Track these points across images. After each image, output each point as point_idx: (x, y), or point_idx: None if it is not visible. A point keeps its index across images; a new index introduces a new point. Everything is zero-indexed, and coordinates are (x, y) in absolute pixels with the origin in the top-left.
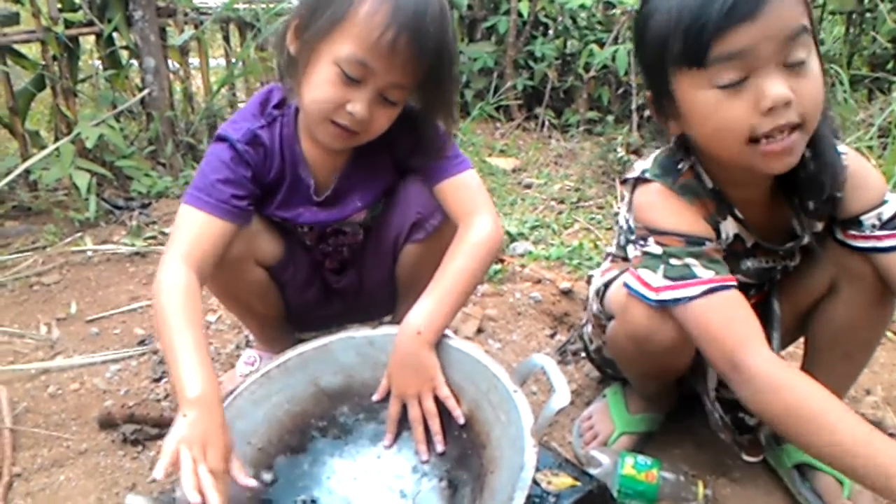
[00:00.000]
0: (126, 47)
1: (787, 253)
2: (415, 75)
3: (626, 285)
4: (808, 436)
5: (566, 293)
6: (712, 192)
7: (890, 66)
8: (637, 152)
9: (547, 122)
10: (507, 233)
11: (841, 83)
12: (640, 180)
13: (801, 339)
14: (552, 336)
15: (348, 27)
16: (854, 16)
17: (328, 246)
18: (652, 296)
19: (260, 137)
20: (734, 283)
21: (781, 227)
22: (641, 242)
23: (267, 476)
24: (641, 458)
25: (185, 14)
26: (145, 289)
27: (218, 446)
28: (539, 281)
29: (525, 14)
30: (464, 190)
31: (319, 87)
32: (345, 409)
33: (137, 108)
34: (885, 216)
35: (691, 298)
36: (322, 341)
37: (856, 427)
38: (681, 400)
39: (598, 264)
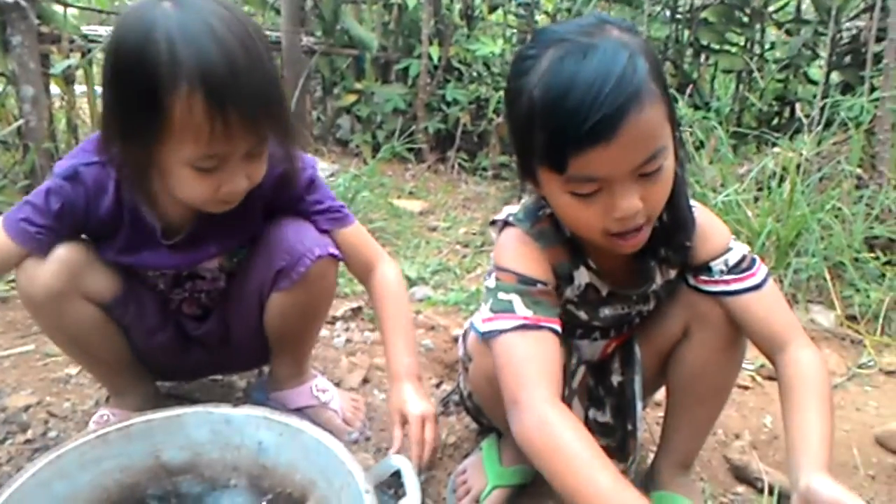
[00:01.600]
0: (2, 74)
1: (640, 298)
2: (263, 127)
3: (469, 323)
4: (558, 476)
5: (456, 340)
6: (568, 242)
7: (775, 121)
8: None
9: (458, 165)
10: (408, 277)
11: (722, 141)
12: (505, 223)
13: None
14: (437, 386)
15: (175, 133)
16: (743, 74)
17: (184, 291)
18: (480, 328)
19: (81, 175)
20: (553, 325)
21: (636, 274)
22: (486, 278)
23: None
24: None
25: (72, 41)
26: (2, 338)
27: None
28: (433, 328)
29: (436, 59)
30: (362, 240)
31: (186, 188)
32: (182, 491)
33: (13, 139)
34: (731, 262)
35: (502, 331)
36: (175, 411)
37: (601, 477)
38: None
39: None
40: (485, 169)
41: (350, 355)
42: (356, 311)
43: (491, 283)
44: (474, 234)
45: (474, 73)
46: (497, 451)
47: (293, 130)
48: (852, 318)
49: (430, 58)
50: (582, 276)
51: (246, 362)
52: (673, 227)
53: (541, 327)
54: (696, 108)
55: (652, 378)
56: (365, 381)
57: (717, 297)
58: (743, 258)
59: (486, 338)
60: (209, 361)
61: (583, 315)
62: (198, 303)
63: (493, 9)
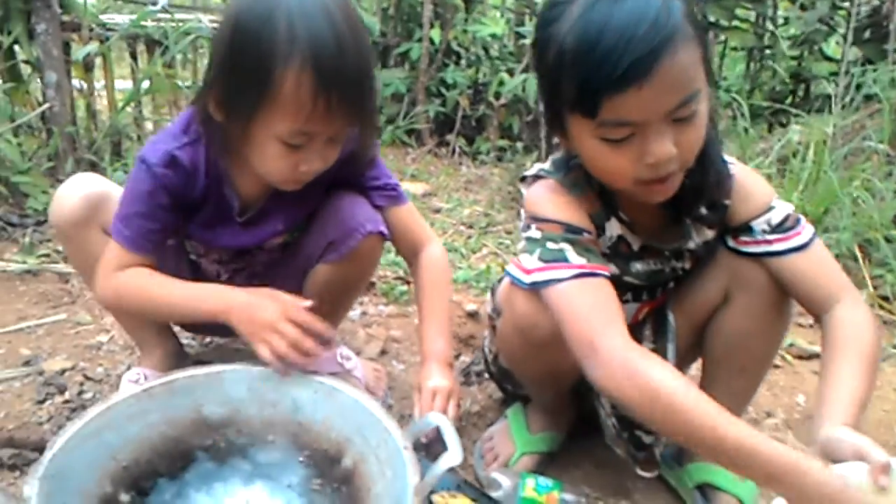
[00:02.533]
0: (27, 61)
1: (674, 254)
2: (354, 116)
3: (506, 272)
4: (662, 417)
5: (472, 315)
6: (599, 192)
7: (788, 100)
8: None
9: (458, 149)
10: None
11: (742, 115)
12: (535, 177)
13: None
14: (456, 357)
15: (277, 105)
16: (755, 52)
17: (243, 262)
18: (525, 278)
19: (178, 158)
20: (605, 272)
21: (670, 230)
22: (525, 230)
23: (125, 497)
24: (542, 480)
25: (91, 29)
26: (35, 308)
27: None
28: None
29: (437, 42)
30: (413, 220)
31: (269, 161)
32: (223, 444)
33: (38, 123)
34: (774, 221)
35: (560, 281)
36: (215, 368)
37: (708, 408)
38: (581, 420)
39: (480, 282)
40: (486, 153)
41: (366, 327)
42: (370, 286)
43: (534, 233)
44: (478, 215)
45: (472, 57)
46: (524, 418)
47: (376, 118)
48: (884, 298)
49: (430, 41)
50: (613, 228)
51: None
52: (707, 181)
53: (597, 275)
54: None
55: (686, 347)
56: (383, 352)
57: (759, 259)
58: (787, 217)
59: (537, 287)
60: None
61: (613, 269)
62: (251, 271)
63: None
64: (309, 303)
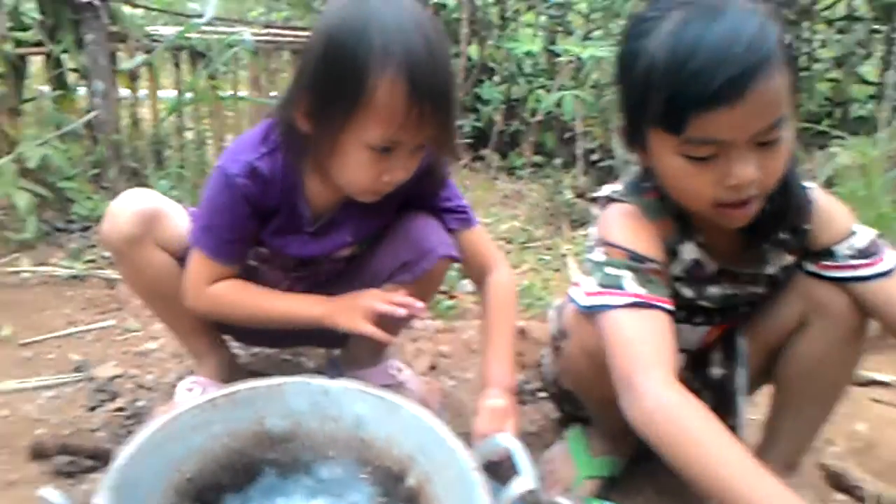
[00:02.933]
0: (75, 70)
1: (750, 278)
2: (441, 127)
3: (568, 295)
4: (687, 462)
5: (519, 332)
6: (675, 215)
7: (825, 122)
8: (583, 195)
9: (493, 165)
10: (457, 271)
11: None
12: (609, 199)
13: None
14: None
15: (369, 112)
16: None
17: (306, 271)
18: (583, 301)
19: (258, 169)
20: (665, 305)
21: (748, 255)
22: (590, 251)
23: None
24: None
25: (137, 40)
26: (83, 313)
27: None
28: None
29: (474, 57)
30: (482, 243)
31: (354, 170)
32: (285, 458)
33: (83, 130)
34: (859, 245)
35: (613, 307)
36: (276, 380)
37: (736, 462)
38: (642, 444)
39: (548, 304)
40: (521, 167)
41: (414, 341)
42: None
43: (598, 256)
44: (517, 230)
45: (506, 73)
46: (585, 440)
47: (456, 129)
48: None
49: (468, 57)
50: (689, 252)
51: (332, 338)
52: (788, 206)
53: (653, 306)
54: None
55: (757, 373)
56: (432, 367)
57: (842, 284)
58: (871, 242)
59: (591, 311)
60: (294, 331)
61: (688, 293)
62: (313, 282)
63: (528, 9)
64: (403, 291)
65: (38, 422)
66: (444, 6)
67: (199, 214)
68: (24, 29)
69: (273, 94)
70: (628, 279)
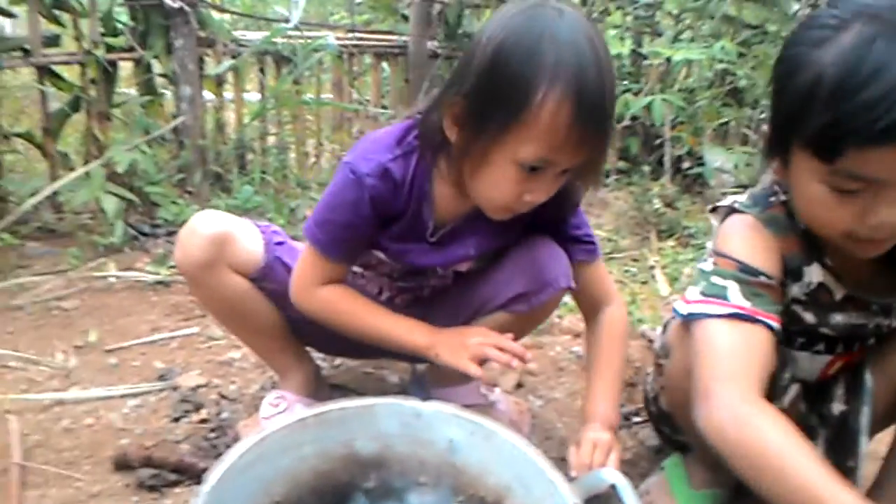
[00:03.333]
0: (164, 75)
1: (882, 308)
2: (596, 152)
3: (673, 307)
4: (758, 476)
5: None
6: (802, 233)
7: None
8: (672, 205)
9: None
10: None
11: None
12: (731, 210)
13: None
14: None
15: (529, 128)
16: None
17: (412, 282)
18: (683, 309)
19: (391, 171)
20: (770, 321)
21: (882, 283)
22: (701, 261)
23: None
24: None
25: (225, 45)
26: (167, 319)
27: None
28: (578, 335)
29: None
30: (602, 276)
31: (498, 185)
32: (375, 483)
33: (169, 135)
34: None
35: (710, 316)
36: (367, 401)
37: (814, 473)
38: None
39: (640, 320)
40: (605, 174)
41: None
42: None
43: (707, 266)
44: (602, 239)
45: None
46: (684, 471)
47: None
48: None
49: None
50: (814, 274)
51: (410, 355)
52: None
53: (756, 321)
54: None
55: (884, 411)
56: (519, 385)
57: None
58: None
59: (689, 319)
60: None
61: (809, 318)
62: (416, 294)
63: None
64: (511, 336)
65: (123, 431)
66: None
67: (317, 208)
68: (116, 35)
69: (355, 97)
70: (734, 290)
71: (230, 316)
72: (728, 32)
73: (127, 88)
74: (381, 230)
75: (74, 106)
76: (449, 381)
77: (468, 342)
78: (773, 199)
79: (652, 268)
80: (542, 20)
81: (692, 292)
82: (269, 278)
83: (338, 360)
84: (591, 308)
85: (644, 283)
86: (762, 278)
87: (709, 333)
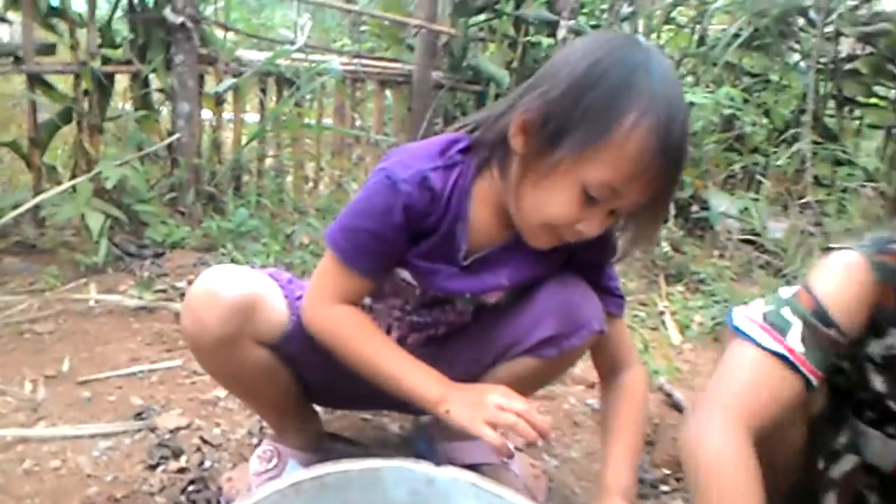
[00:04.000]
0: (161, 90)
1: None
2: (663, 194)
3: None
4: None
5: None
6: None
7: None
8: (679, 249)
9: None
10: None
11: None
12: (843, 249)
13: None
14: None
15: (609, 150)
16: (893, 131)
17: (428, 316)
18: (738, 319)
19: (430, 180)
20: (811, 377)
21: None
22: (787, 286)
23: None
24: None
25: (226, 64)
26: (148, 349)
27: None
28: (592, 385)
29: None
30: (625, 335)
31: (556, 205)
32: None
33: (162, 152)
34: None
35: (757, 343)
36: (373, 463)
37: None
38: None
39: (656, 371)
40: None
41: None
42: None
43: (787, 293)
44: None
45: None
46: None
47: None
48: None
49: None
50: None
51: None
52: None
53: (796, 370)
54: (839, 163)
55: None
56: (529, 442)
57: None
58: None
59: (736, 332)
60: (379, 393)
61: (879, 384)
62: (428, 333)
63: None
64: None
65: (91, 478)
66: (533, 45)
67: (344, 213)
68: (114, 46)
69: (357, 123)
70: (795, 330)
71: (241, 387)
72: (729, 79)
73: (122, 103)
74: (409, 246)
75: (66, 117)
76: (455, 436)
77: (486, 401)
78: (892, 245)
79: (661, 313)
80: (639, 50)
81: (757, 310)
82: (292, 342)
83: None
84: (609, 367)
85: (654, 328)
86: (833, 332)
87: (740, 360)
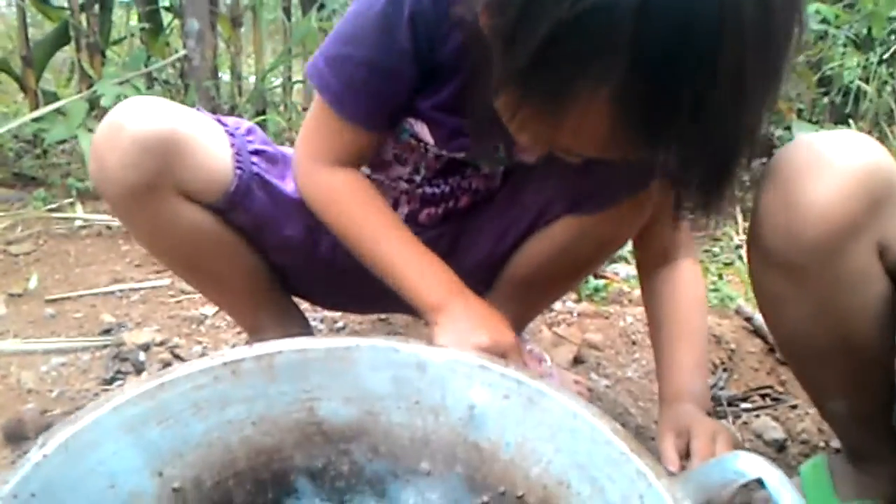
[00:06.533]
0: (169, 8)
1: None
2: None
3: None
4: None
5: None
6: None
7: None
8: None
9: None
10: None
11: None
12: None
13: None
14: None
15: None
16: None
17: (446, 185)
18: None
19: None
20: None
21: None
22: None
23: None
24: None
25: None
26: (135, 270)
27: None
28: None
29: None
30: (680, 225)
31: None
32: (342, 469)
33: (176, 80)
34: None
35: None
36: (342, 341)
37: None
38: None
39: (730, 297)
40: None
41: (552, 326)
42: None
43: None
44: None
45: None
46: (828, 475)
47: None
48: None
49: None
50: None
51: None
52: None
53: None
54: None
55: None
56: (577, 360)
57: None
58: None
59: None
60: (380, 291)
61: None
62: (446, 209)
63: None
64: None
65: (31, 394)
66: None
67: (329, 39)
68: None
69: None
70: None
71: (183, 262)
72: None
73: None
74: (426, 89)
75: (62, 37)
76: None
77: (471, 344)
78: None
79: (738, 247)
80: None
81: None
82: (243, 207)
83: (340, 322)
84: (654, 258)
85: (728, 264)
86: None
87: None
